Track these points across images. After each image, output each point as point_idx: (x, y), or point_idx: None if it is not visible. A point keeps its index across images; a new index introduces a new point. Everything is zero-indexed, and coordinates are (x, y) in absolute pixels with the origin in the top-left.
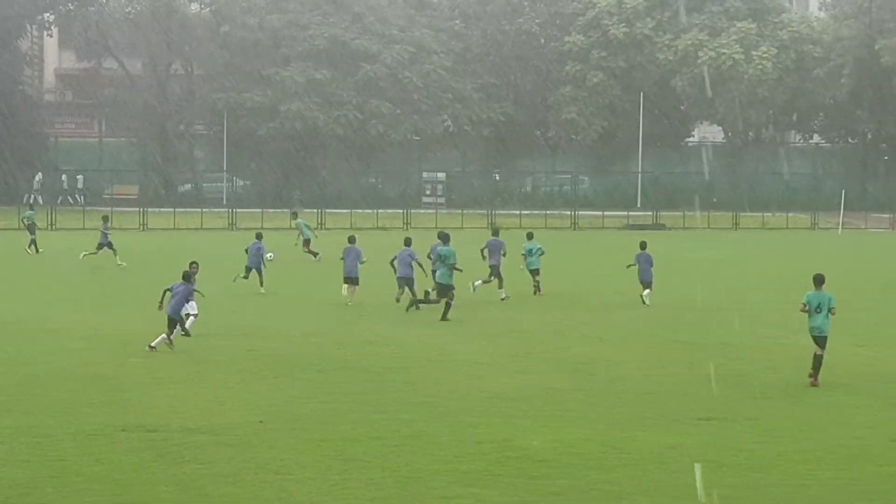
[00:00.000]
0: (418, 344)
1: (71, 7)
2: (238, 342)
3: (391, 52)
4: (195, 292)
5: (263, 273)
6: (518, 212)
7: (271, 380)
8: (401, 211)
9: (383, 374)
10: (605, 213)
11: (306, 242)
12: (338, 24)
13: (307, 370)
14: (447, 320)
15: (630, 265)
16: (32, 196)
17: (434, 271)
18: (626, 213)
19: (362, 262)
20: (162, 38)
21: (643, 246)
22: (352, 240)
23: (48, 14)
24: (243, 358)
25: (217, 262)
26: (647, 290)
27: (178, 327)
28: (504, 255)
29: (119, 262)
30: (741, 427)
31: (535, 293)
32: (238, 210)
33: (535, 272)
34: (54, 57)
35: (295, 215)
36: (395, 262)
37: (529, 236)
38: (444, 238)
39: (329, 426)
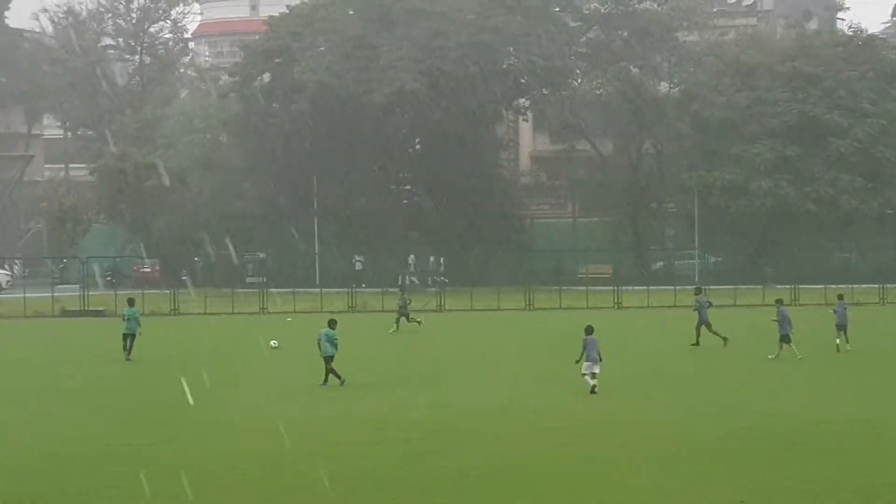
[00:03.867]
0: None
1: (545, 92)
2: (716, 420)
3: (862, 127)
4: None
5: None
6: None
7: (748, 460)
8: (876, 286)
9: (858, 454)
10: None
11: None
12: (807, 100)
13: (779, 450)
14: None
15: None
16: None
17: None
18: None
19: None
20: (632, 118)
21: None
22: (779, 301)
23: (523, 99)
24: (722, 437)
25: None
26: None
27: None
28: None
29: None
30: None
31: None
32: (710, 287)
33: None
34: (529, 140)
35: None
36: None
37: None
38: None
39: None
